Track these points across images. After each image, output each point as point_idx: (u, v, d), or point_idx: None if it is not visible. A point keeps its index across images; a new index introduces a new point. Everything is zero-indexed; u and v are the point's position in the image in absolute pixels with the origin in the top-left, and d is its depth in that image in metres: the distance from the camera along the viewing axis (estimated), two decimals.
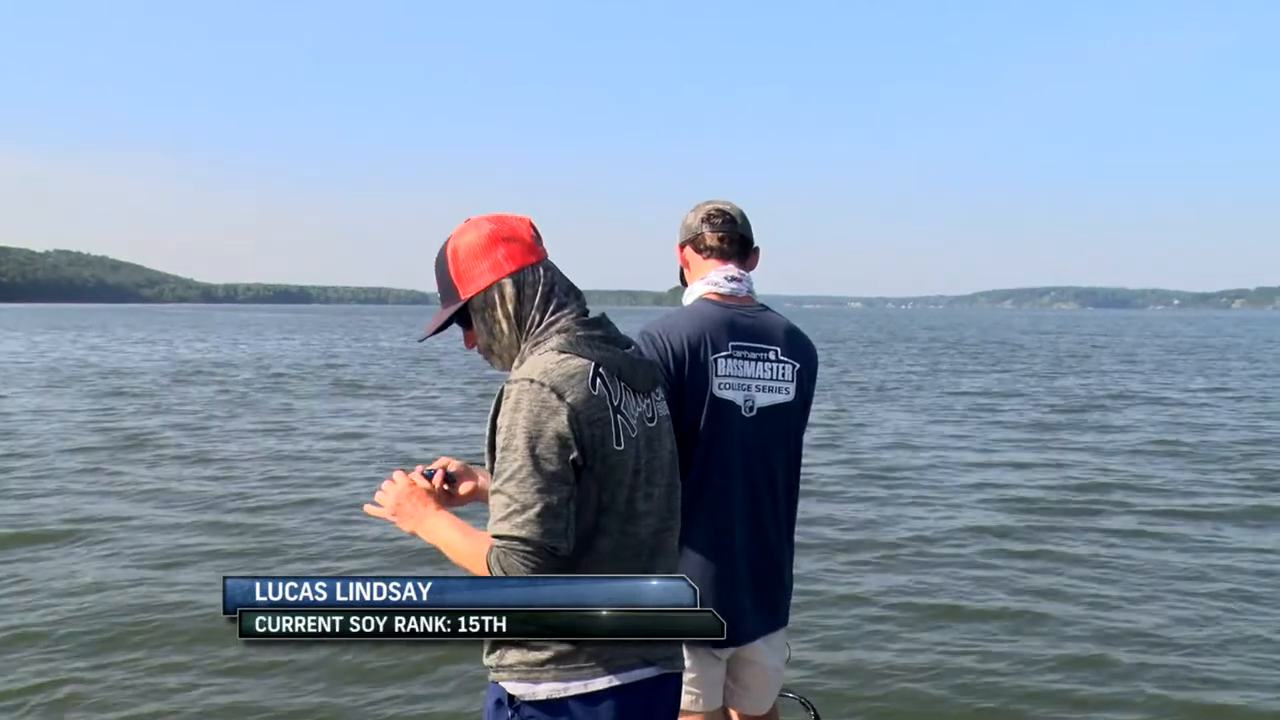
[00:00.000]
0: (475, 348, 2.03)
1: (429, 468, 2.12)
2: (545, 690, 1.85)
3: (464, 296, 1.96)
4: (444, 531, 1.95)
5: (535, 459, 1.78)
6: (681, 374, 2.39)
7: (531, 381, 1.82)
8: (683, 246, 2.62)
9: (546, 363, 1.85)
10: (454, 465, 2.15)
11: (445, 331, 2.05)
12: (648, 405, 1.98)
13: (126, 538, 7.93)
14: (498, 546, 1.80)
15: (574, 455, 1.81)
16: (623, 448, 1.87)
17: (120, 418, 15.87)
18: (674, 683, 2.00)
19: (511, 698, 1.88)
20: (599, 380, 1.86)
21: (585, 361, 1.86)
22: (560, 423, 1.79)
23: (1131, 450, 12.86)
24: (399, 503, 2.04)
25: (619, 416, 1.88)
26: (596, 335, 1.93)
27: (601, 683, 1.85)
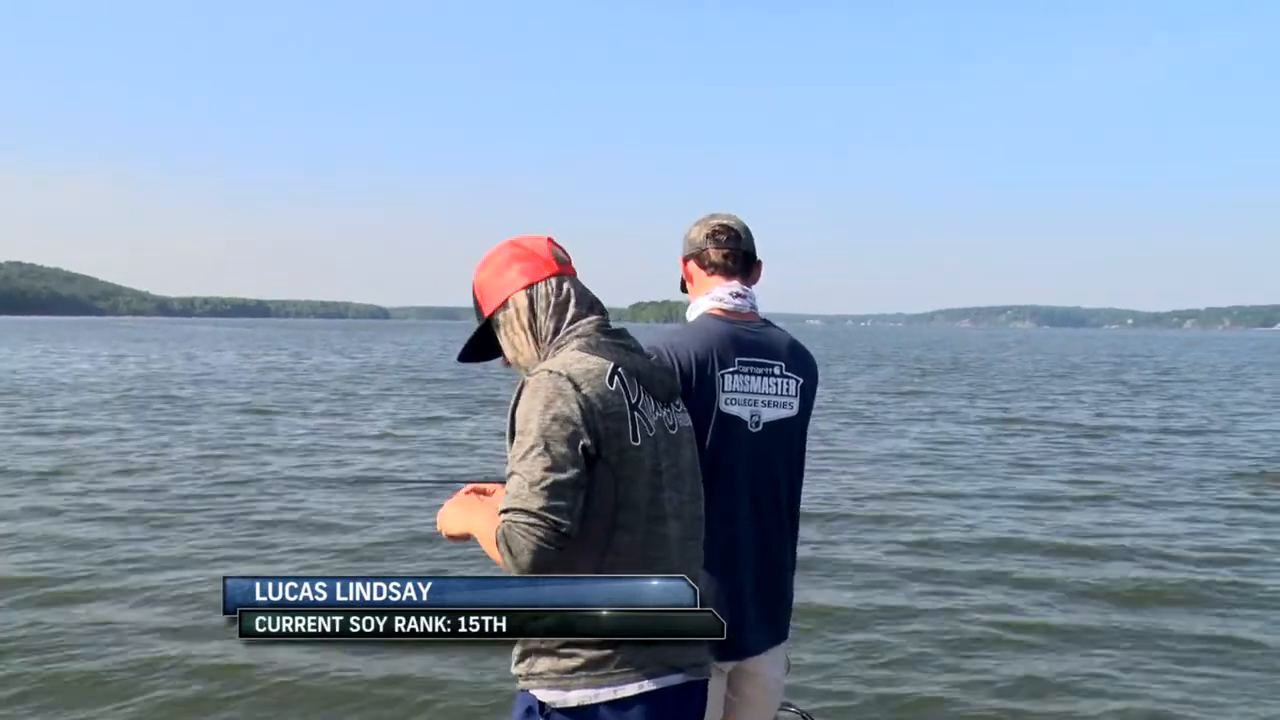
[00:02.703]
0: (511, 363, 2.10)
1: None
2: (576, 697, 1.86)
3: (486, 314, 2.07)
4: (479, 519, 1.96)
5: (546, 440, 1.81)
6: (689, 390, 2.39)
7: (550, 372, 1.87)
8: (686, 260, 2.63)
9: (567, 358, 1.91)
10: (489, 489, 2.16)
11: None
12: (668, 413, 2.01)
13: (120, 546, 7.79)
14: (504, 521, 1.81)
15: (585, 442, 1.83)
16: (639, 444, 1.90)
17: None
18: (700, 690, 2.02)
19: (542, 705, 1.89)
20: (617, 378, 1.90)
21: (605, 360, 1.92)
22: (573, 410, 1.82)
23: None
24: (445, 507, 2.08)
25: (636, 414, 1.91)
26: (619, 342, 1.99)
27: (632, 689, 1.87)
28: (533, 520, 1.77)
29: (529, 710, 1.91)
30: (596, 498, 1.86)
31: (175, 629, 5.94)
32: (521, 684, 1.93)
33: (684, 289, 2.68)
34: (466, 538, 2.02)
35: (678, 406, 2.08)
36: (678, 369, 2.39)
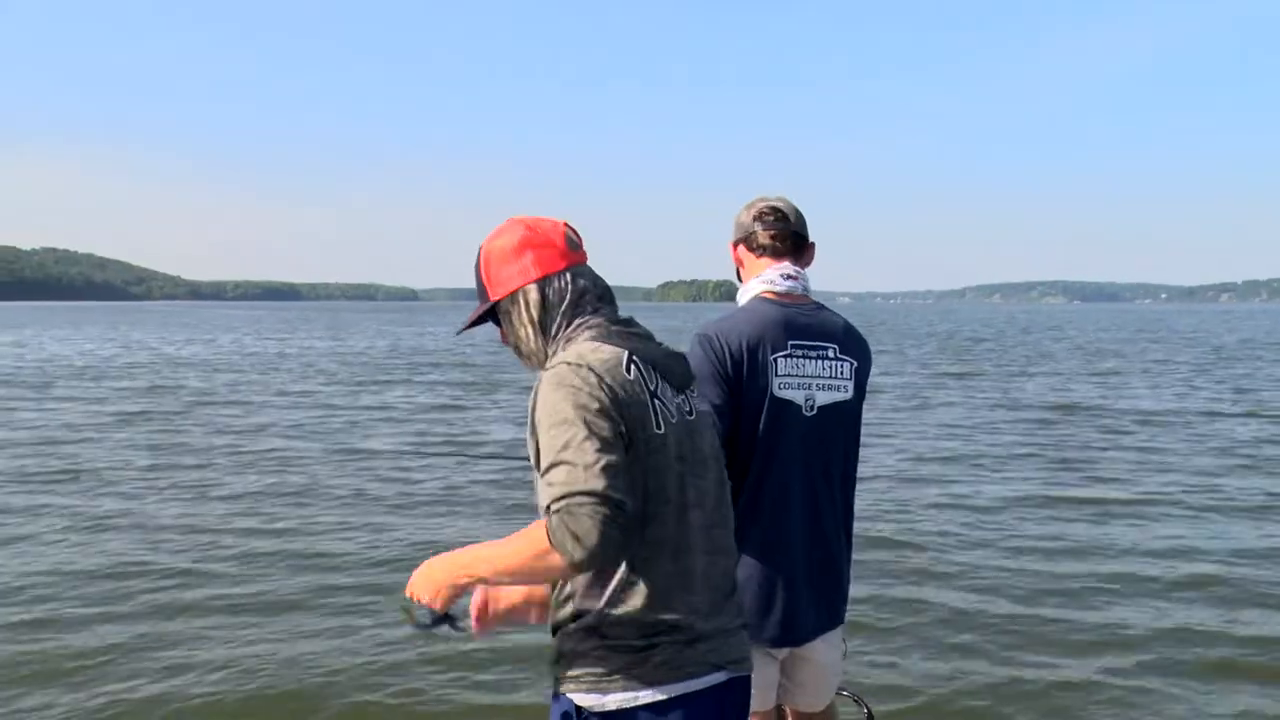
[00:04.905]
0: (509, 344, 2.02)
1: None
2: (615, 700, 1.80)
3: (492, 299, 1.98)
4: (482, 550, 1.83)
5: (587, 424, 1.71)
6: (740, 374, 2.36)
7: (568, 364, 1.79)
8: (736, 245, 2.59)
9: (581, 349, 1.84)
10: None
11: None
12: (684, 399, 1.95)
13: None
14: (557, 510, 1.65)
15: (621, 428, 1.75)
16: (663, 431, 1.83)
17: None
18: (743, 685, 1.95)
19: (579, 709, 1.82)
20: (633, 366, 1.84)
21: (619, 349, 1.85)
22: (602, 397, 1.74)
23: None
24: (419, 574, 1.92)
25: (656, 401, 1.84)
26: (630, 331, 1.93)
27: (672, 689, 1.80)
28: (596, 499, 1.63)
29: (566, 715, 1.84)
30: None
31: None
32: (558, 688, 1.87)
33: (738, 276, 2.64)
34: (459, 594, 1.88)
35: (693, 392, 2.01)
36: (728, 354, 2.36)
